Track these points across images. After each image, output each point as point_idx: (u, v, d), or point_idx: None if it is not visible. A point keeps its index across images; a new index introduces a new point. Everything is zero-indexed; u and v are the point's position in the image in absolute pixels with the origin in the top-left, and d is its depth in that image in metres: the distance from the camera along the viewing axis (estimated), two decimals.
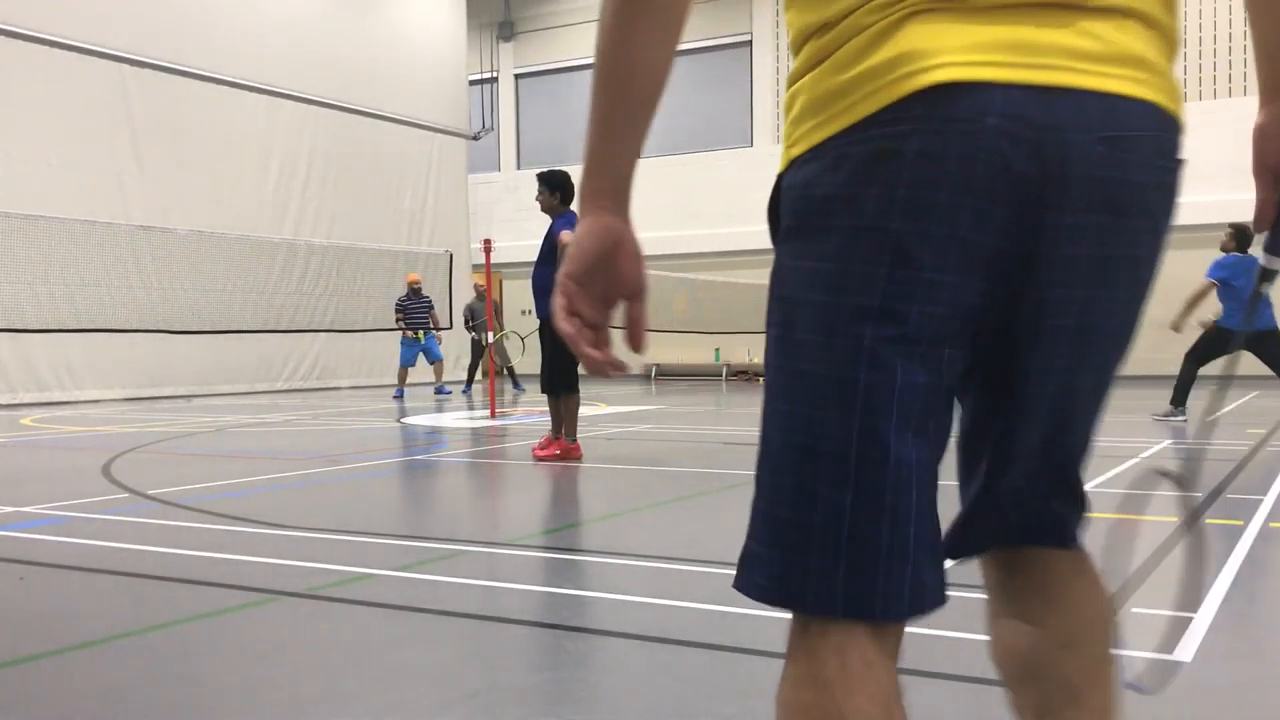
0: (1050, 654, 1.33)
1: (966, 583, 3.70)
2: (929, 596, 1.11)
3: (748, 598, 1.13)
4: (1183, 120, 1.17)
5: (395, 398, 15.36)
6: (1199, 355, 10.73)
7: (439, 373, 16.43)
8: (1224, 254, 11.48)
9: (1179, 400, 10.68)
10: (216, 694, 2.73)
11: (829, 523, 1.05)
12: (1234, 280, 11.13)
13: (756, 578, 1.11)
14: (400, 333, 15.84)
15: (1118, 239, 1.08)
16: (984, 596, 1.43)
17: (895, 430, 1.03)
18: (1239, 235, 11.46)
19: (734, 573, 1.17)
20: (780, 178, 1.14)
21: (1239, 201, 18.53)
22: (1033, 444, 1.20)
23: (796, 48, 1.14)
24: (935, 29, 1.01)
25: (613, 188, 1.18)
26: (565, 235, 7.44)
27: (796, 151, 1.11)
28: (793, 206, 1.10)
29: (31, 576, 4.12)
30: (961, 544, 1.32)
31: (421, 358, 16.05)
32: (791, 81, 1.14)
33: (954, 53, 1.00)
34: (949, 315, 1.04)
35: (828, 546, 1.05)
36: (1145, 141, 1.08)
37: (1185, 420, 10.42)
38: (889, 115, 1.01)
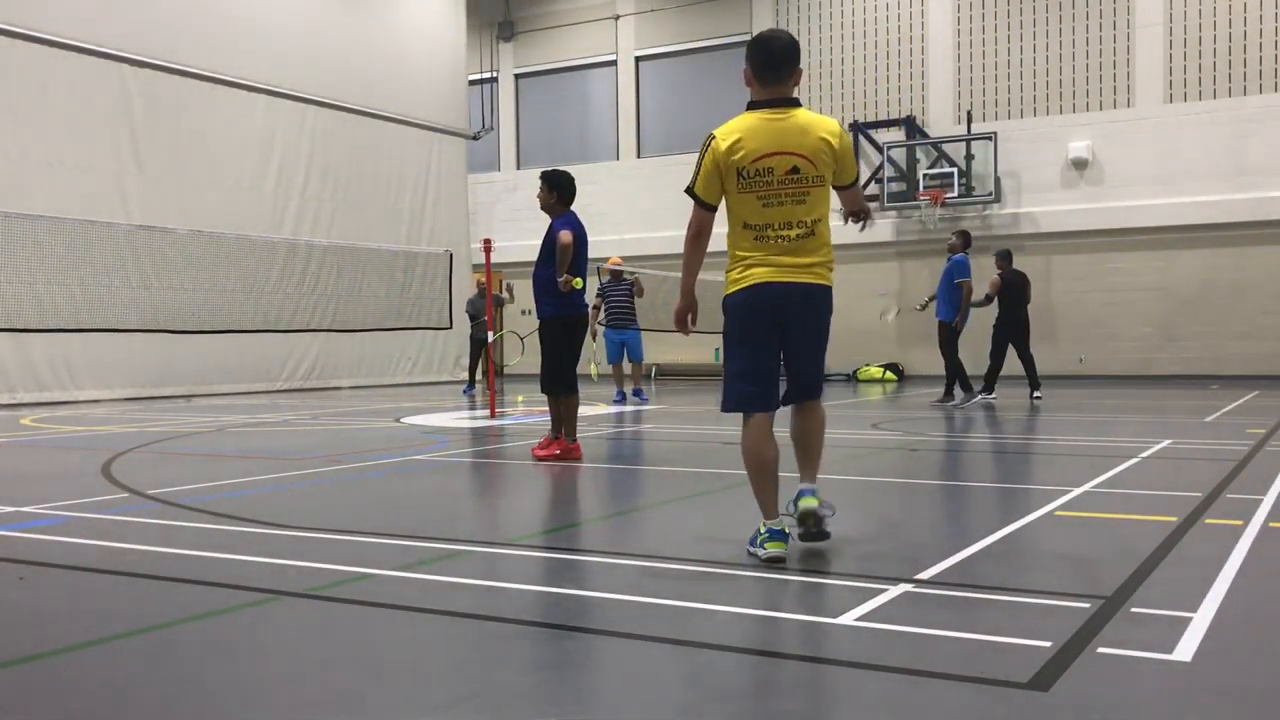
0: (797, 435, 4.46)
1: (967, 582, 3.69)
2: (754, 406, 4.29)
3: (723, 411, 4.40)
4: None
5: (616, 401, 13.77)
6: (952, 347, 12.96)
7: (636, 375, 14.53)
8: (955, 254, 13.14)
9: (966, 386, 12.98)
10: (216, 694, 2.73)
11: (733, 387, 4.35)
12: (957, 277, 12.97)
13: (723, 405, 4.38)
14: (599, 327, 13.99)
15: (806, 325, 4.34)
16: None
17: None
18: (964, 237, 13.30)
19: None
20: (725, 297, 4.32)
21: (1236, 201, 18.94)
22: (793, 372, 4.41)
23: (729, 261, 4.32)
24: (757, 269, 4.22)
25: (690, 289, 4.46)
26: (565, 235, 7.43)
27: (727, 293, 4.31)
28: (727, 305, 4.34)
29: (31, 576, 4.12)
30: (786, 401, 4.38)
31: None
32: (728, 273, 4.32)
33: (761, 275, 4.19)
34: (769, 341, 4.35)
35: (733, 394, 4.35)
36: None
37: (981, 399, 12.73)
38: (735, 292, 4.27)
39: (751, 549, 4.22)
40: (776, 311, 4.22)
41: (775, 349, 4.30)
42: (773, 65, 4.21)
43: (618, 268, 14.34)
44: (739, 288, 4.24)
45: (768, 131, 4.15)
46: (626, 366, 14.38)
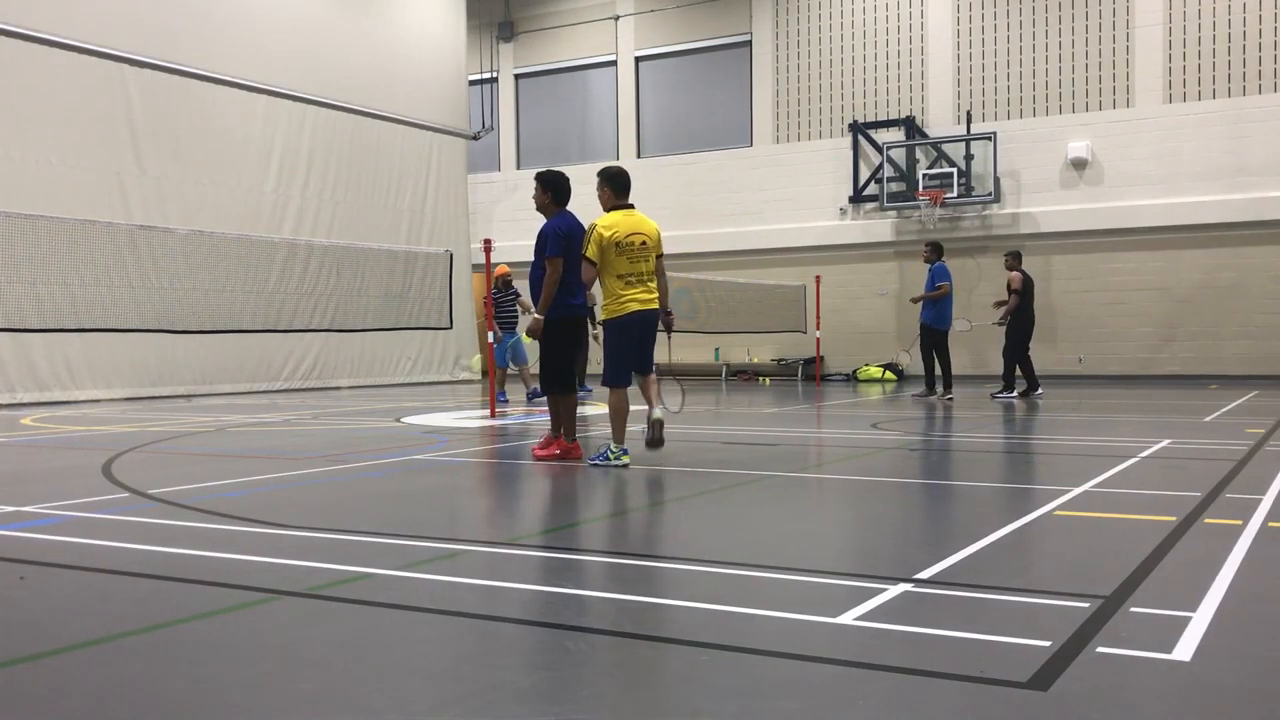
0: (644, 387, 7.46)
1: (967, 582, 3.70)
2: (627, 382, 7.40)
3: (606, 386, 7.46)
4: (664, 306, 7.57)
5: (501, 401, 13.66)
6: (928, 351, 14.05)
7: (525, 377, 14.49)
8: (933, 264, 14.02)
9: (931, 385, 14.05)
10: (216, 694, 2.73)
11: (616, 371, 7.40)
12: (940, 281, 13.91)
13: (609, 382, 7.42)
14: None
15: (652, 333, 7.49)
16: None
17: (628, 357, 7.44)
18: (935, 248, 14.17)
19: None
20: (603, 321, 7.46)
21: (1235, 201, 18.95)
22: (643, 358, 7.46)
23: (605, 291, 7.37)
24: (631, 297, 7.30)
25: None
26: (552, 270, 7.37)
27: (606, 317, 7.37)
28: (609, 324, 7.39)
29: (31, 576, 4.12)
30: (635, 374, 7.46)
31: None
32: (605, 301, 7.40)
33: (634, 303, 7.30)
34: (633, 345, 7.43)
35: (616, 375, 7.41)
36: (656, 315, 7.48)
37: (946, 397, 13.67)
38: (619, 316, 7.33)
39: (602, 461, 7.17)
40: (638, 327, 7.27)
41: (635, 349, 7.29)
42: (623, 187, 7.40)
43: (507, 276, 14.38)
44: (618, 314, 7.22)
45: (628, 223, 7.24)
46: (513, 369, 14.49)
